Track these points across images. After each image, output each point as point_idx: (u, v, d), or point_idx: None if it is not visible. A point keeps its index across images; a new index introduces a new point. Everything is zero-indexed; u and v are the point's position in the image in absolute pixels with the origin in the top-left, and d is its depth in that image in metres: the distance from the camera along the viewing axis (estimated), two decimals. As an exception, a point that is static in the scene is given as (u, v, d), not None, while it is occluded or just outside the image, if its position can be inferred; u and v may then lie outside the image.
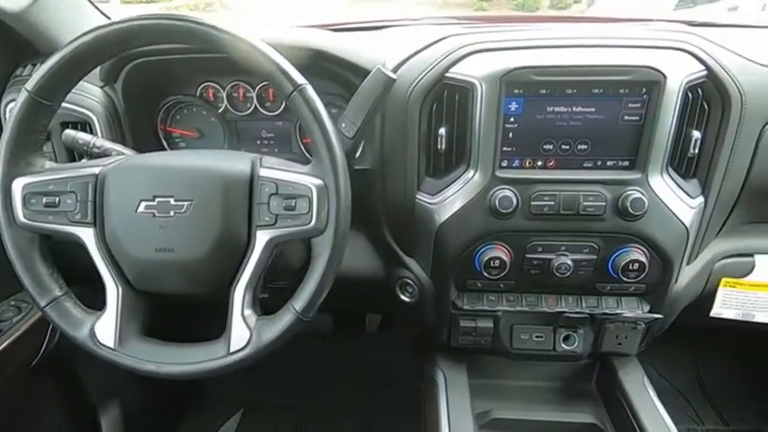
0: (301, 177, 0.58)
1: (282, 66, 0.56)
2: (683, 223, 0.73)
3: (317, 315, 0.61)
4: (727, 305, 0.86)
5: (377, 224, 0.87)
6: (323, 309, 0.60)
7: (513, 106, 0.70)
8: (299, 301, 0.58)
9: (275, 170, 0.59)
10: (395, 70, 0.73)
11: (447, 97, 0.72)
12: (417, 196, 0.77)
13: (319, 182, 0.57)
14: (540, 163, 0.73)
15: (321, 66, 0.75)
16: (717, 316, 0.87)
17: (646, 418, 0.77)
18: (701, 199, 0.74)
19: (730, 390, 1.41)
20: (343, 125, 0.68)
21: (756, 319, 0.86)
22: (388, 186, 0.80)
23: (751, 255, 0.83)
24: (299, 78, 0.57)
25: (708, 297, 0.86)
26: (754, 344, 1.45)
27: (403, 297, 0.87)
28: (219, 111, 0.89)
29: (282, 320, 0.59)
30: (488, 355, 0.90)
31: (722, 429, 1.32)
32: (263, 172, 0.59)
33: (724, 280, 0.84)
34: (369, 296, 0.96)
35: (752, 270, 0.84)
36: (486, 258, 0.74)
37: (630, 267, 0.72)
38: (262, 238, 0.58)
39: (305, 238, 0.59)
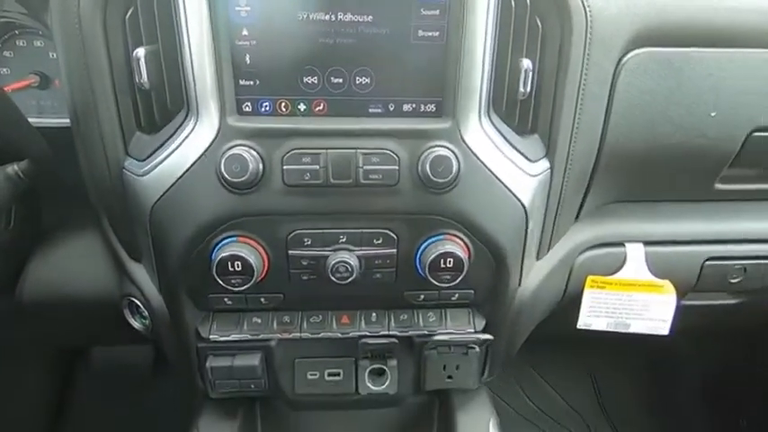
0: None
1: None
2: (518, 198, 0.50)
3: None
4: (597, 313, 0.65)
5: (98, 213, 0.57)
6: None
7: (244, 8, 0.43)
8: None
9: None
10: None
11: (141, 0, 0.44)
12: (125, 164, 0.49)
13: None
14: (302, 107, 0.47)
15: None
16: (585, 327, 0.65)
17: None
18: (544, 163, 0.52)
19: (628, 405, 1.24)
20: None
21: (632, 330, 0.65)
22: (88, 150, 0.50)
23: (621, 243, 0.63)
24: None
25: (573, 302, 0.65)
26: (651, 350, 1.31)
27: (133, 322, 0.57)
28: None
29: None
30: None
31: (617, 449, 1.14)
32: None
33: (590, 279, 0.63)
34: (105, 325, 0.65)
35: (623, 263, 0.63)
36: (220, 258, 0.46)
37: (443, 264, 0.48)
38: None
39: None
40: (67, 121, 0.55)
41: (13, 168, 0.53)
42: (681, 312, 0.69)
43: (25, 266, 0.62)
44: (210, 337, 0.53)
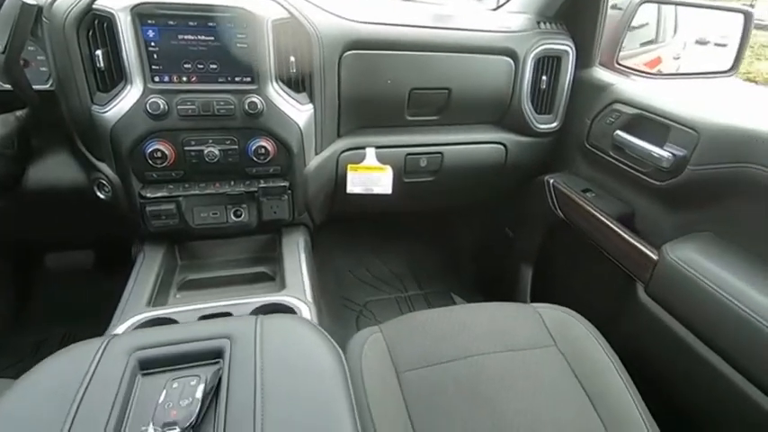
0: None
1: None
2: (295, 122, 1.07)
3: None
4: (355, 184, 1.27)
5: (72, 138, 1.04)
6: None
7: (151, 33, 0.94)
8: None
9: None
10: (53, 2, 0.90)
11: (98, 25, 0.92)
12: (93, 109, 0.97)
13: None
14: (184, 78, 0.98)
15: None
16: (351, 192, 1.27)
17: (287, 265, 1.10)
18: (310, 106, 1.10)
19: (428, 267, 1.97)
20: (-7, 41, 0.84)
21: (374, 192, 1.28)
22: (69, 103, 0.97)
23: (363, 147, 1.25)
24: None
25: (344, 180, 1.26)
26: (441, 231, 2.03)
27: (100, 195, 1.07)
28: None
29: None
30: (189, 240, 1.16)
31: (419, 292, 1.86)
32: None
33: (349, 166, 1.25)
34: (78, 207, 1.13)
35: (365, 158, 1.25)
36: (149, 150, 0.98)
37: (260, 152, 1.05)
38: None
39: None
40: (40, 86, 1.01)
41: (21, 112, 0.99)
42: (409, 187, 1.35)
43: (25, 172, 1.06)
44: (147, 195, 1.03)
